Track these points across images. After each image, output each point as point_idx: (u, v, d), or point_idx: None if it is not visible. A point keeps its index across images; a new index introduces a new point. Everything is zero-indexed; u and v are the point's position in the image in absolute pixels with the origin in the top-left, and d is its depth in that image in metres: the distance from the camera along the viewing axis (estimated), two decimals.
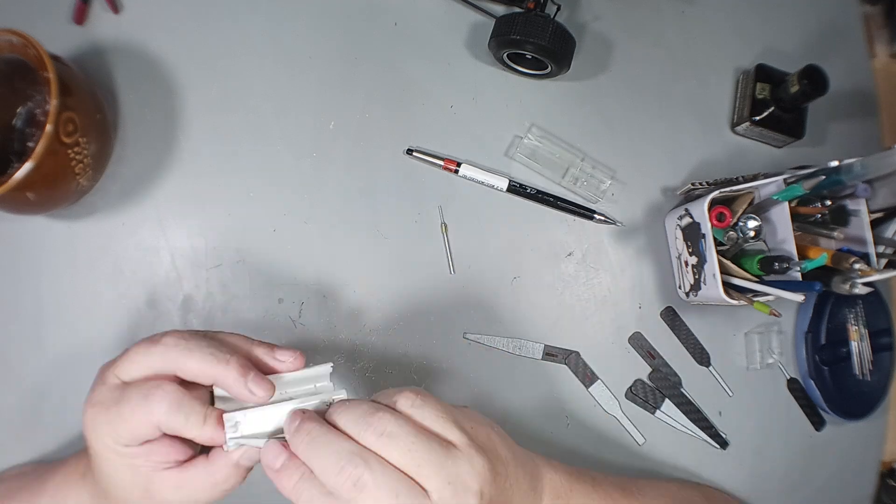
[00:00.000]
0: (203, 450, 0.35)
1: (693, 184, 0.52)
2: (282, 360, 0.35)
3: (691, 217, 0.50)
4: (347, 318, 0.50)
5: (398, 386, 0.35)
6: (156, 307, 0.48)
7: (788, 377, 0.56)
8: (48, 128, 0.38)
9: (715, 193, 0.48)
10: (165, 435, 0.33)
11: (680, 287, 0.54)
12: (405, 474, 0.30)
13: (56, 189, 0.42)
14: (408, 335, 0.51)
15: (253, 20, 0.52)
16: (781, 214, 0.49)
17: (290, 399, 0.34)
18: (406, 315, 0.51)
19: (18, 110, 0.46)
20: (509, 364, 0.52)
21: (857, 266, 0.47)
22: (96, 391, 0.34)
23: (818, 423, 0.57)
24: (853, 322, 0.56)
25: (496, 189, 0.53)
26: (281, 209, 0.50)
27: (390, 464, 0.30)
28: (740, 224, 0.49)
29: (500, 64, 0.54)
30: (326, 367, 0.37)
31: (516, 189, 0.53)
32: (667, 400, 0.54)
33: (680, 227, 0.52)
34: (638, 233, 0.55)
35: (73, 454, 0.41)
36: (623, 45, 0.57)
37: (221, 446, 0.33)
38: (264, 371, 0.35)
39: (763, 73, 0.55)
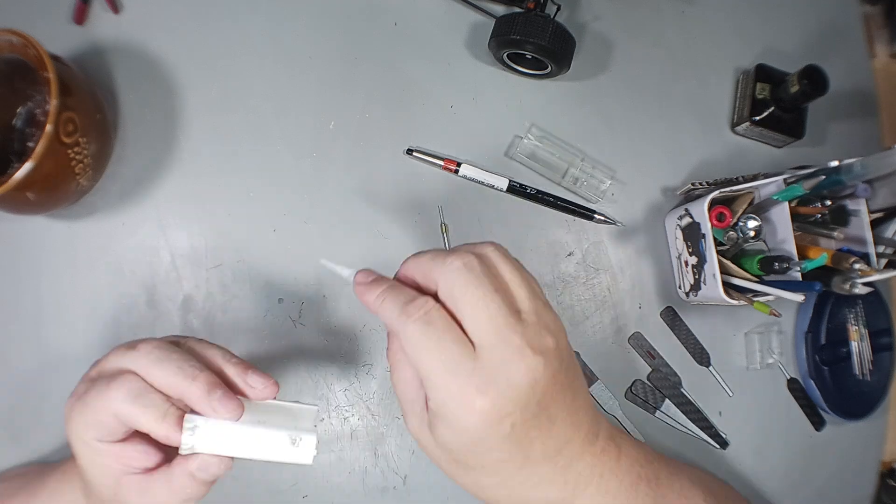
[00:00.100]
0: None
1: (693, 184, 0.52)
2: (252, 385, 0.35)
3: (691, 217, 0.50)
4: (347, 318, 0.50)
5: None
6: (156, 307, 0.48)
7: (788, 377, 0.56)
8: (48, 128, 0.38)
9: (715, 193, 0.48)
10: (137, 437, 0.33)
11: (680, 287, 0.54)
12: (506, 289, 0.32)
13: (56, 189, 0.42)
14: None
15: (253, 20, 0.52)
16: (781, 214, 0.49)
17: (260, 423, 0.33)
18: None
19: (18, 110, 0.46)
20: None
21: (857, 266, 0.47)
22: (77, 386, 0.35)
23: (818, 423, 0.57)
24: (853, 322, 0.56)
25: (496, 189, 0.53)
26: (281, 209, 0.50)
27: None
28: (740, 224, 0.49)
29: (500, 64, 0.54)
30: (312, 410, 0.36)
31: (516, 189, 0.53)
32: (667, 400, 0.54)
33: (680, 227, 0.52)
34: (638, 233, 0.55)
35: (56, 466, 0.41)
36: (623, 45, 0.57)
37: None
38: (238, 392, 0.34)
39: (763, 73, 0.55)
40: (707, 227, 0.48)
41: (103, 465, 0.34)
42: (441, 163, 0.52)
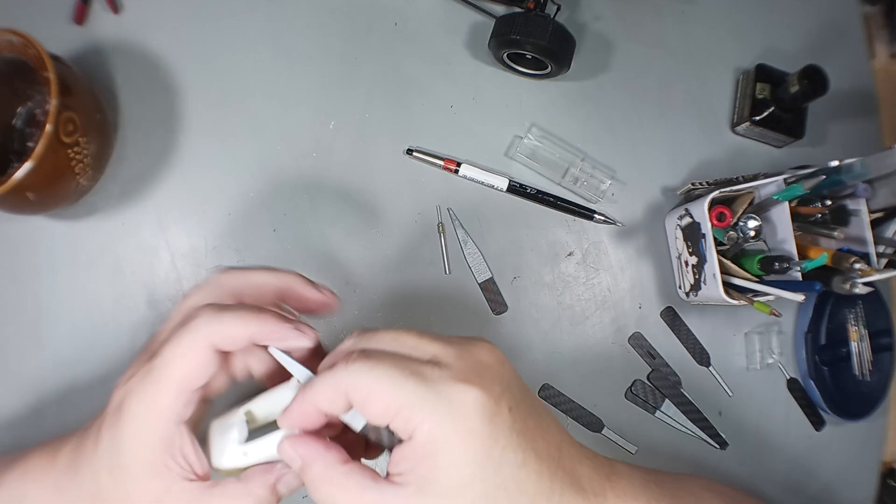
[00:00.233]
0: None
1: (693, 184, 0.52)
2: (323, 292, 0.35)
3: (691, 217, 0.50)
4: (347, 318, 0.50)
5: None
6: (156, 307, 0.48)
7: (788, 377, 0.56)
8: (48, 128, 0.38)
9: (715, 193, 0.48)
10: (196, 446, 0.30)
11: (680, 287, 0.54)
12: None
13: (56, 189, 0.42)
14: None
15: (253, 20, 0.52)
16: (781, 214, 0.49)
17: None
18: (406, 315, 0.51)
19: (18, 110, 0.46)
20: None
21: (857, 266, 0.47)
22: (126, 372, 0.32)
23: (818, 423, 0.57)
24: (853, 322, 0.56)
25: (496, 189, 0.53)
26: (281, 209, 0.50)
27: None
28: (740, 224, 0.49)
29: (500, 64, 0.54)
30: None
31: (516, 189, 0.53)
32: (667, 400, 0.54)
33: (680, 227, 0.52)
34: (638, 233, 0.55)
35: (38, 446, 0.36)
36: (623, 45, 0.57)
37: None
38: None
39: (763, 73, 0.55)
40: (707, 227, 0.48)
41: (156, 464, 0.29)
42: (441, 163, 0.52)
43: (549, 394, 0.52)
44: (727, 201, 0.50)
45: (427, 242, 0.52)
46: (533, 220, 0.54)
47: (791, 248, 0.48)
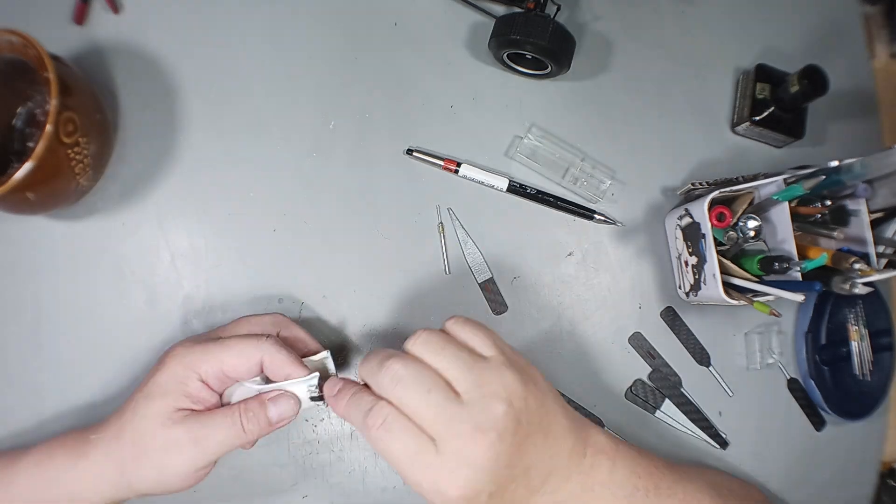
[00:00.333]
0: None
1: (693, 184, 0.52)
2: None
3: (691, 217, 0.50)
4: (347, 318, 0.50)
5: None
6: (156, 307, 0.48)
7: (788, 377, 0.56)
8: (48, 128, 0.38)
9: (715, 193, 0.48)
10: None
11: (680, 287, 0.54)
12: (440, 376, 0.35)
13: (56, 189, 0.42)
14: (408, 335, 0.50)
15: (253, 20, 0.52)
16: (781, 214, 0.49)
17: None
18: (406, 314, 0.51)
19: (18, 110, 0.46)
20: None
21: (857, 266, 0.47)
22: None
23: (818, 423, 0.57)
24: (853, 322, 0.56)
25: (496, 189, 0.53)
26: (281, 209, 0.50)
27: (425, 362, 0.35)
28: (740, 224, 0.49)
29: (500, 64, 0.54)
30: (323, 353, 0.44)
31: (516, 189, 0.53)
32: (667, 400, 0.54)
33: (680, 227, 0.52)
34: (638, 233, 0.55)
35: (42, 442, 0.41)
36: (623, 45, 0.57)
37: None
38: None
39: (763, 73, 0.55)
40: (707, 227, 0.48)
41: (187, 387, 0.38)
42: (441, 163, 0.52)
43: None
44: (727, 201, 0.50)
45: (427, 242, 0.52)
46: (533, 220, 0.54)
47: (791, 248, 0.48)
